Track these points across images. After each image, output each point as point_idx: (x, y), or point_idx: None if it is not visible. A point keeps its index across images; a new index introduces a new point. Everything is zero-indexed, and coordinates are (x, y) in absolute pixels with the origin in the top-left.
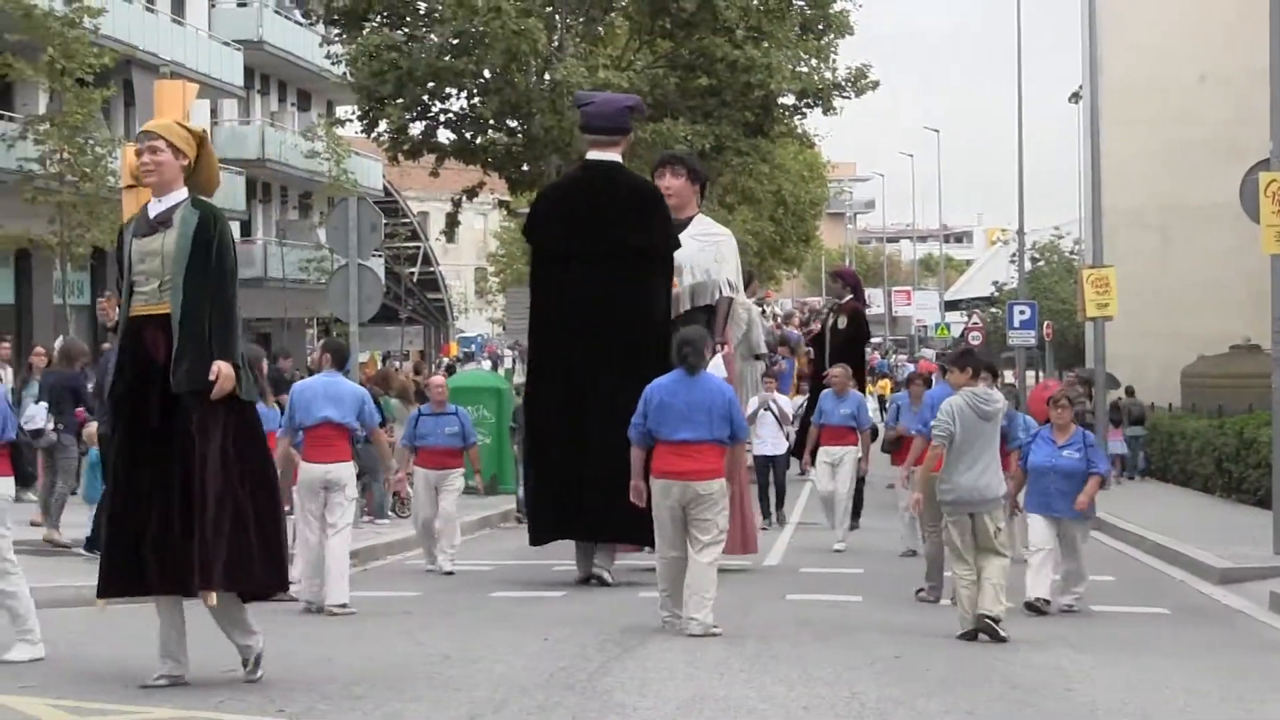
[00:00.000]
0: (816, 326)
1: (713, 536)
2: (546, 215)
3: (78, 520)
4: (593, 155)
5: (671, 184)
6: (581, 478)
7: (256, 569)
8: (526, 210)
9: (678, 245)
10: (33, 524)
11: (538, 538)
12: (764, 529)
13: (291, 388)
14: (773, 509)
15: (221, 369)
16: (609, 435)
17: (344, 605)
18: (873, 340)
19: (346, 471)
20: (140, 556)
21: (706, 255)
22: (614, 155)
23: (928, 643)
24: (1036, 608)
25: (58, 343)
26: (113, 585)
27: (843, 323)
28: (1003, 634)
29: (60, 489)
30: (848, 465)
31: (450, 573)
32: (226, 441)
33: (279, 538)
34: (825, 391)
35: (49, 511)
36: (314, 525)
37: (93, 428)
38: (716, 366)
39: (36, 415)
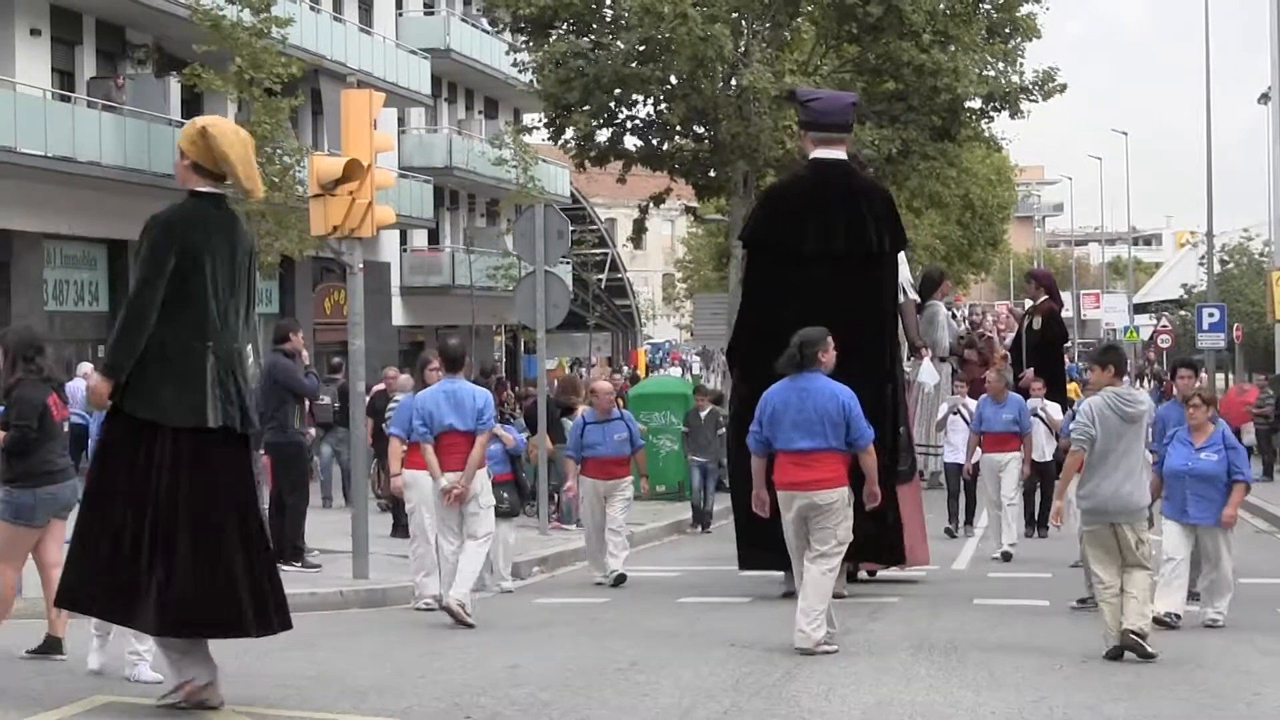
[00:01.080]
0: (993, 330)
1: (831, 547)
2: (778, 214)
3: None
4: (821, 154)
5: None
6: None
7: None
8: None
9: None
10: None
11: (751, 562)
12: (954, 537)
13: (415, 396)
14: (960, 518)
15: (90, 381)
16: None
17: (461, 605)
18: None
19: (475, 481)
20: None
21: None
22: (841, 153)
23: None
24: (1166, 623)
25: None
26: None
27: (1038, 324)
28: (1150, 650)
29: None
30: (1012, 471)
31: (618, 578)
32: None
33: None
34: (983, 397)
35: None
36: (449, 536)
37: None
38: (929, 372)
39: None
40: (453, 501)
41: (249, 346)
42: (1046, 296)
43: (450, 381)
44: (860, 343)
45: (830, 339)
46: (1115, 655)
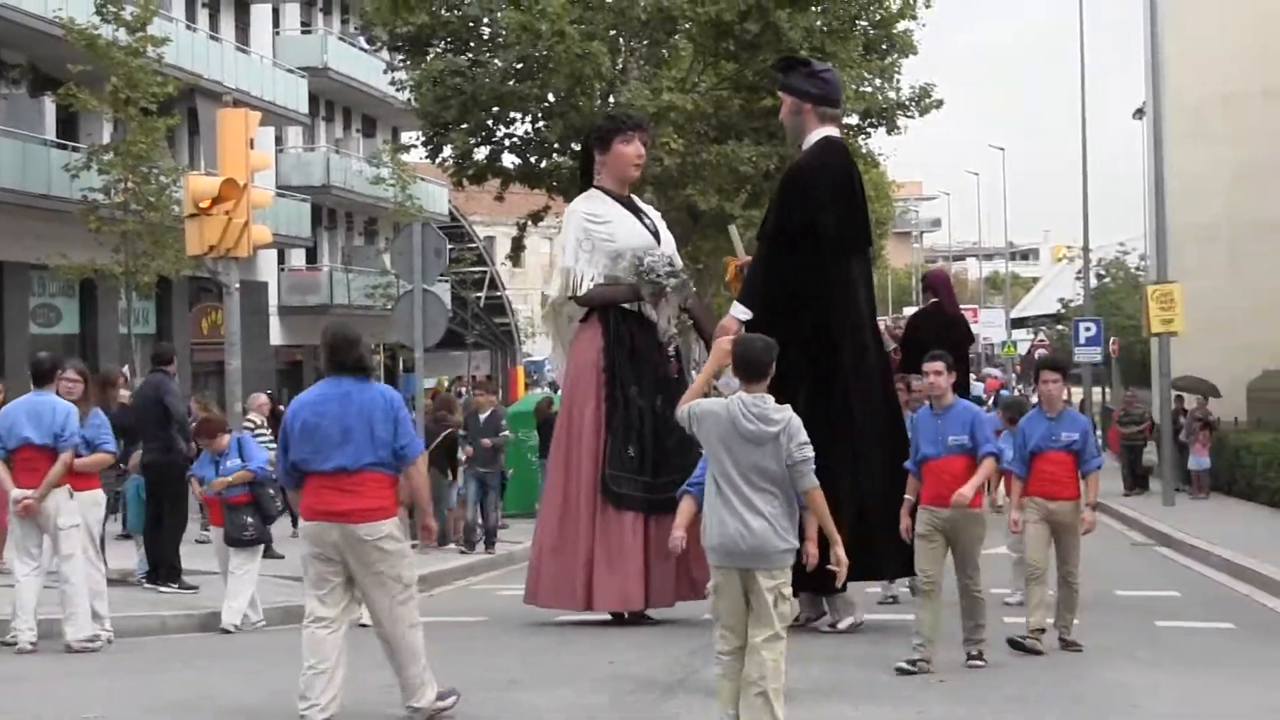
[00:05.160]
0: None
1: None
2: (811, 196)
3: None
4: (829, 132)
5: (644, 152)
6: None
7: None
8: None
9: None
10: None
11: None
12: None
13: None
14: None
15: None
16: (876, 456)
17: (79, 643)
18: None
19: (52, 499)
20: None
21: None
22: (839, 133)
23: (996, 660)
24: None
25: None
26: None
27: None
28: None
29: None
30: None
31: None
32: None
33: None
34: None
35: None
36: (24, 558)
37: (136, 456)
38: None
39: None
40: (23, 513)
41: None
42: (935, 299)
43: (37, 395)
44: (878, 345)
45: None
46: None
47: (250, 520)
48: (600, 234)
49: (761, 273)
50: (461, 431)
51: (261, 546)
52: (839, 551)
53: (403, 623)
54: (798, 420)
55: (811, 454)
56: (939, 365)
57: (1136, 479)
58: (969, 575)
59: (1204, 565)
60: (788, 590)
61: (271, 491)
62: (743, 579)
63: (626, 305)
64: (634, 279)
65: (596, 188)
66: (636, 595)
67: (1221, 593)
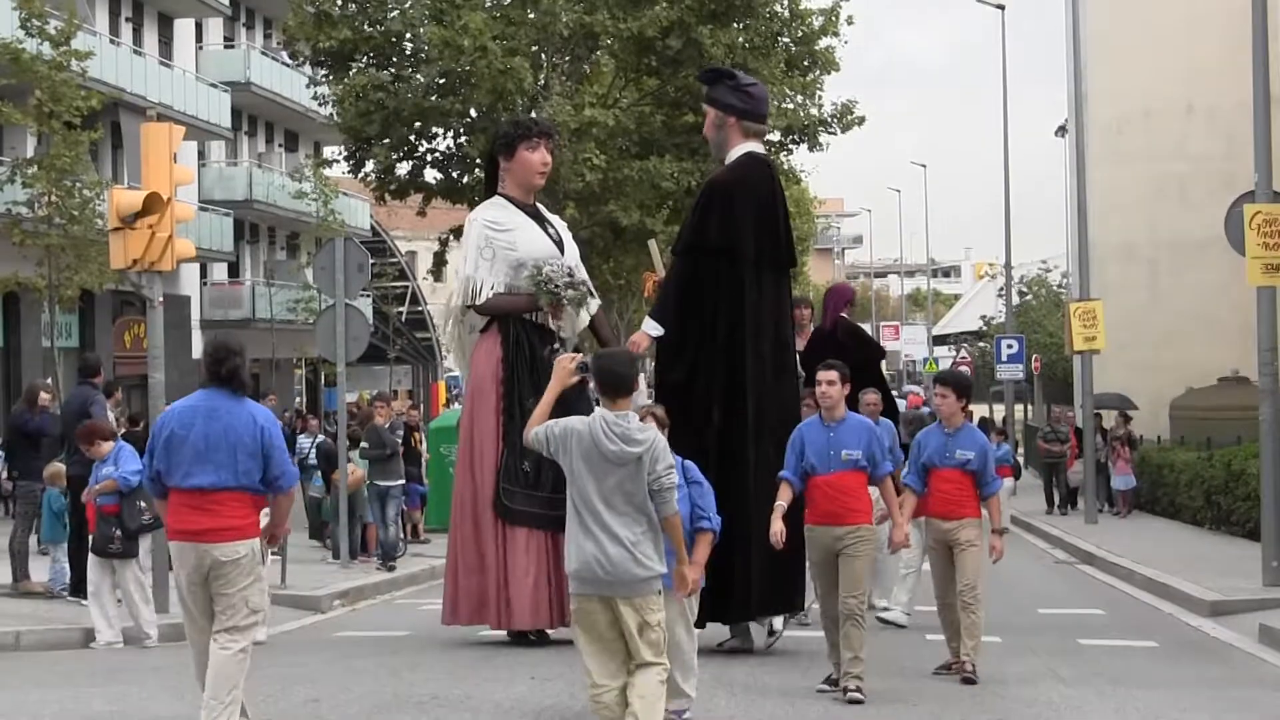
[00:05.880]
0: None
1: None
2: (721, 214)
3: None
4: (752, 147)
5: (550, 159)
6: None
7: None
8: None
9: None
10: None
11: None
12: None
13: None
14: None
15: None
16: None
17: None
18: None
19: None
20: None
21: (577, 253)
22: (762, 149)
23: (915, 681)
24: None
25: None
26: None
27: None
28: None
29: (21, 536)
30: None
31: None
32: None
33: None
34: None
35: (17, 559)
36: None
37: (57, 468)
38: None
39: None
40: None
41: None
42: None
43: None
44: (790, 362)
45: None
46: None
47: (118, 531)
48: (501, 242)
49: (674, 289)
50: (364, 444)
51: (134, 560)
52: (685, 570)
53: (233, 647)
54: (663, 441)
55: (675, 480)
56: (833, 375)
57: (1062, 498)
58: (854, 595)
59: (1127, 584)
60: (655, 618)
61: (142, 504)
62: (607, 607)
63: (527, 316)
64: (532, 289)
65: (500, 194)
66: (544, 614)
67: (1144, 611)
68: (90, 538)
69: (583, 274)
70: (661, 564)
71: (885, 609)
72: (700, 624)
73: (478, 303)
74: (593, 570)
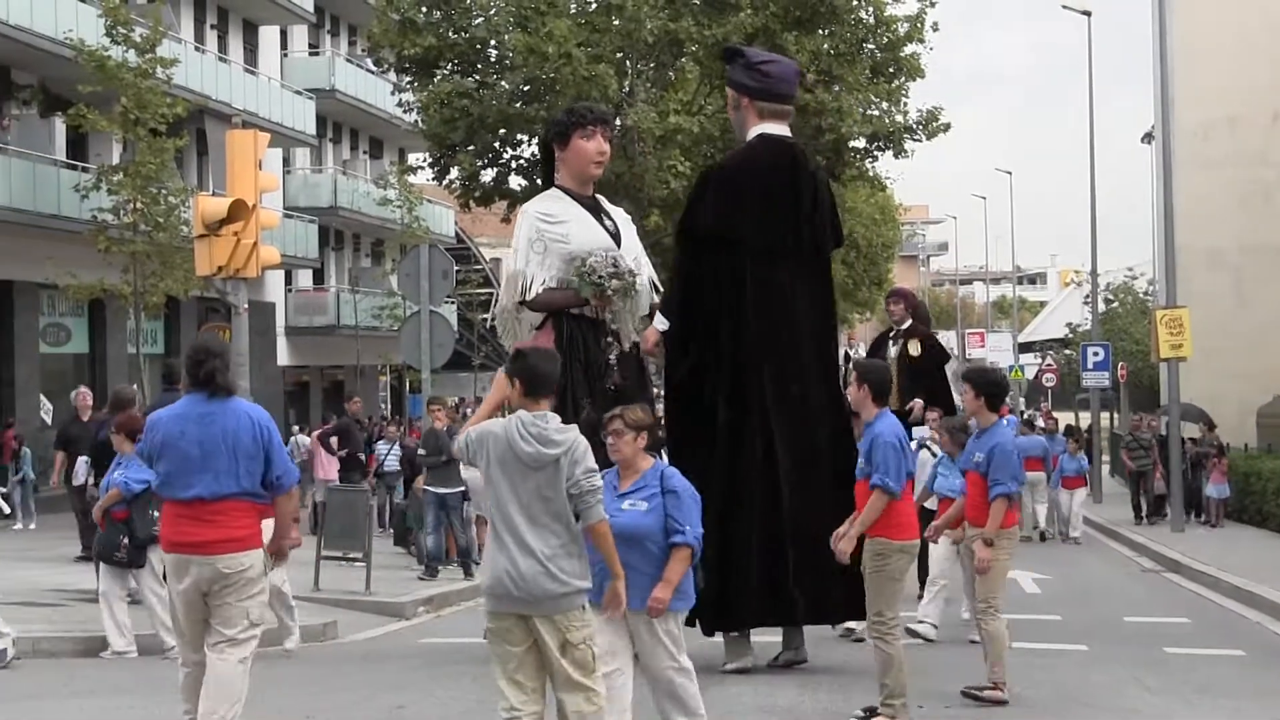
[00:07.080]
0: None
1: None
2: (724, 201)
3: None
4: (768, 129)
5: (607, 148)
6: (786, 541)
7: None
8: None
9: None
10: None
11: (729, 623)
12: None
13: None
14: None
15: None
16: (814, 483)
17: None
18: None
19: None
20: None
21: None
22: (786, 129)
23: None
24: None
25: None
26: None
27: (915, 349)
28: None
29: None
30: None
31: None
32: None
33: None
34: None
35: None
36: None
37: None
38: None
39: (79, 470)
40: None
41: None
42: (912, 318)
43: None
44: (824, 359)
45: None
46: None
47: (124, 540)
48: (554, 235)
49: (676, 280)
50: (421, 451)
51: (149, 570)
52: (618, 586)
53: (233, 656)
54: (584, 443)
55: (598, 483)
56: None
57: (1149, 506)
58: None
59: (1213, 592)
60: (579, 636)
61: (154, 514)
62: (525, 625)
63: (578, 310)
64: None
65: (556, 186)
66: None
67: (1230, 619)
68: (95, 541)
69: (636, 265)
70: (584, 578)
71: (919, 621)
72: (708, 632)
73: (527, 298)
74: (505, 586)
